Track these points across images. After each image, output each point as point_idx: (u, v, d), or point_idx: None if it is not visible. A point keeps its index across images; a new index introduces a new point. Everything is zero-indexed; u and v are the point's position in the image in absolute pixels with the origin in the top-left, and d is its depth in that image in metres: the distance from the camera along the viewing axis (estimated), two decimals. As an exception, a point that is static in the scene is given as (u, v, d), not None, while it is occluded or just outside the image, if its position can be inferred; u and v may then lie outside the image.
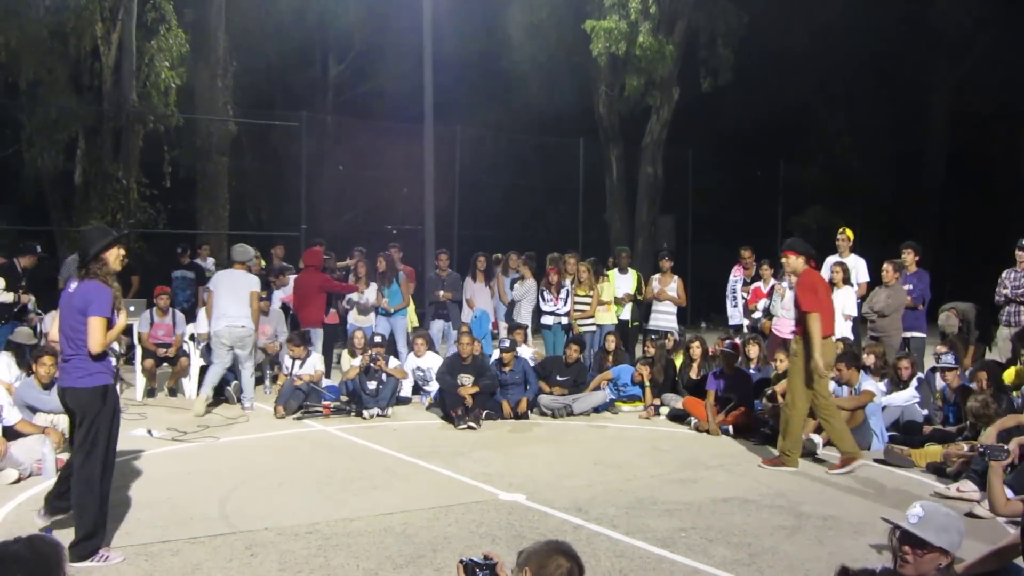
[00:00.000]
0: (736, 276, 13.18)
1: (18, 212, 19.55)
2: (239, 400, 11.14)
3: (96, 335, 5.56)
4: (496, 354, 11.46)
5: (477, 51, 23.64)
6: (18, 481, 7.27)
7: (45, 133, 17.53)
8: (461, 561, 3.33)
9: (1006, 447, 5.78)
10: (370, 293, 12.86)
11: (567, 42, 22.10)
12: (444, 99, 18.69)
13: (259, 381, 12.24)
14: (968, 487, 7.14)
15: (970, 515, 6.68)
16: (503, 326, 13.22)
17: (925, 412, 9.79)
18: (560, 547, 3.26)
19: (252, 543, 5.87)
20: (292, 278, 13.30)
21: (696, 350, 11.20)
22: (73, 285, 5.76)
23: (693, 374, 11.22)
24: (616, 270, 13.26)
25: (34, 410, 8.24)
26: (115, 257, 5.81)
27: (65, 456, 7.89)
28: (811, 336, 8.12)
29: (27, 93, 17.53)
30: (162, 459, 8.41)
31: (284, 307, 13.11)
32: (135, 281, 13.90)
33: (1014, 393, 8.84)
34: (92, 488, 5.55)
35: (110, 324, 5.67)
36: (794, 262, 8.60)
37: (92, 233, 6.01)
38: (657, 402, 11.14)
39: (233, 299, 10.80)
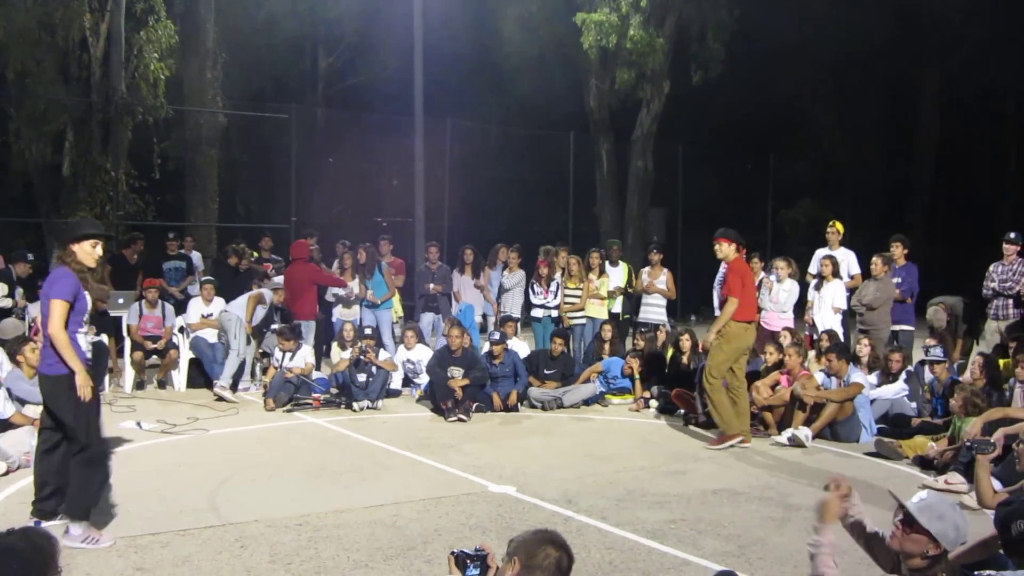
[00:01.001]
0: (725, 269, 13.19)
1: (6, 204, 19.46)
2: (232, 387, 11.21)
3: (53, 316, 5.51)
4: (486, 347, 11.47)
5: (468, 44, 23.58)
6: (6, 474, 7.26)
7: (33, 125, 17.44)
8: (452, 553, 3.34)
9: (992, 441, 5.82)
10: (353, 285, 12.86)
11: (558, 35, 22.05)
12: (434, 92, 18.64)
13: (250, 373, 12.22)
14: (956, 479, 7.18)
15: (960, 507, 6.72)
16: (490, 320, 13.23)
17: (914, 405, 9.84)
18: (549, 536, 3.25)
19: (242, 535, 5.87)
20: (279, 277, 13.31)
21: (686, 343, 11.21)
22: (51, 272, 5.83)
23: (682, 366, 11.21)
24: (607, 263, 13.26)
25: (23, 402, 8.20)
26: (86, 252, 5.76)
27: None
28: (722, 315, 8.94)
29: (15, 84, 17.42)
30: (152, 451, 8.40)
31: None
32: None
33: (1003, 387, 8.90)
34: (75, 472, 5.65)
35: (75, 311, 5.63)
36: (726, 249, 9.20)
37: (73, 224, 6.07)
38: (647, 395, 11.16)
39: None
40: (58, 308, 5.53)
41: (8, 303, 11.45)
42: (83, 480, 5.67)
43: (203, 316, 12.08)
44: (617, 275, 13.17)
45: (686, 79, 22.46)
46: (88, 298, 5.81)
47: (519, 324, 13.03)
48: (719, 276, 13.19)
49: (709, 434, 9.31)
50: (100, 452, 5.81)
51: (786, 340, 10.68)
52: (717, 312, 13.21)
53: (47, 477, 5.83)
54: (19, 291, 11.94)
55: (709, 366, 8.99)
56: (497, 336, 11.22)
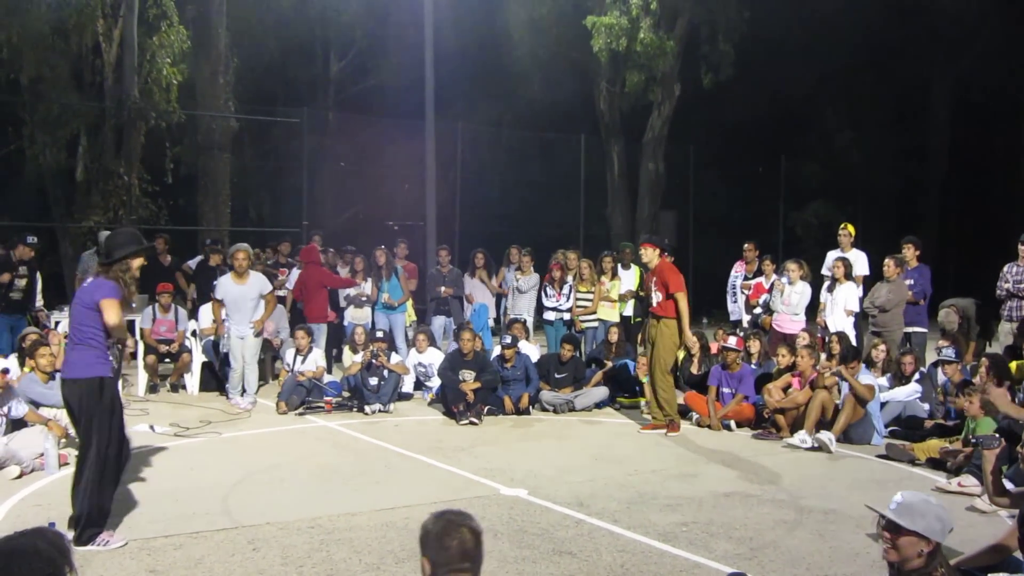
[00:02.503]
0: (737, 272, 13.17)
1: (20, 208, 19.55)
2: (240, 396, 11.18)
3: (110, 313, 5.64)
4: (497, 349, 11.48)
5: (478, 47, 23.62)
6: (20, 476, 7.29)
7: (47, 129, 17.56)
8: None
9: (998, 436, 5.79)
10: (365, 287, 12.91)
11: (568, 38, 22.06)
12: (445, 95, 18.68)
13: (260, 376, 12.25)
14: (970, 481, 7.15)
15: (971, 509, 6.71)
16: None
17: (927, 407, 9.81)
18: (446, 525, 3.16)
19: (254, 538, 5.89)
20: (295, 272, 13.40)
21: (695, 345, 11.15)
22: (88, 280, 5.91)
23: (694, 369, 11.20)
24: (619, 266, 13.26)
25: (37, 405, 8.25)
26: (138, 265, 5.95)
27: (67, 451, 7.95)
28: (681, 315, 9.53)
29: (29, 89, 17.55)
30: (164, 455, 8.43)
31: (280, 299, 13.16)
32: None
33: (1016, 387, 8.86)
34: (90, 477, 5.70)
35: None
36: (650, 253, 9.72)
37: (121, 236, 6.06)
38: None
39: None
40: (111, 305, 5.65)
41: (5, 278, 11.52)
42: (85, 499, 5.69)
43: (214, 321, 12.10)
44: (629, 278, 13.16)
45: (697, 81, 22.46)
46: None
47: (531, 327, 13.04)
48: (731, 279, 13.24)
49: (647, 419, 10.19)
50: (112, 456, 5.84)
51: (803, 342, 10.67)
52: (731, 317, 13.29)
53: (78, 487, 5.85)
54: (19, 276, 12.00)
55: (662, 365, 9.72)
56: (508, 339, 11.23)
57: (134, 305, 12.00)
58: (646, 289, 10.05)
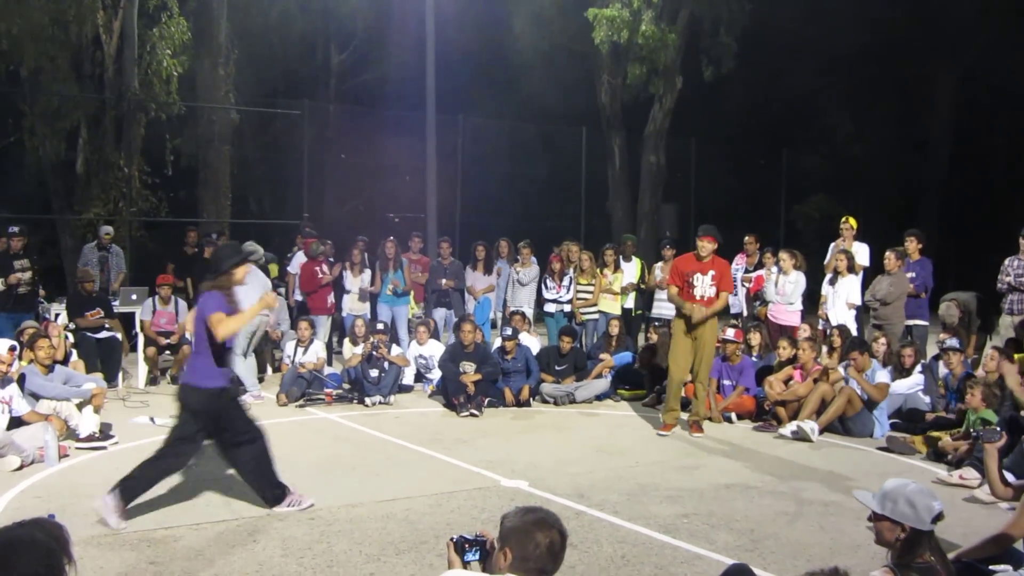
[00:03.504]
0: (738, 264, 13.13)
1: (20, 201, 19.54)
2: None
3: (218, 329, 6.00)
4: (497, 342, 11.47)
5: (479, 40, 23.57)
6: (20, 468, 7.28)
7: (47, 121, 17.54)
8: (452, 539, 3.32)
9: (999, 429, 5.78)
10: (364, 279, 12.92)
11: (569, 30, 22.00)
12: (446, 88, 18.63)
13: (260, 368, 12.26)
14: (971, 474, 7.15)
15: (971, 500, 6.71)
16: (499, 314, 13.29)
17: (928, 399, 9.80)
18: (538, 520, 3.13)
19: (255, 529, 5.88)
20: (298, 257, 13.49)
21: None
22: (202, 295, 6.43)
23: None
24: (620, 258, 13.24)
25: (37, 397, 8.24)
26: (242, 272, 6.43)
27: (67, 443, 7.95)
28: (719, 306, 9.34)
29: (29, 81, 17.52)
30: (165, 446, 8.41)
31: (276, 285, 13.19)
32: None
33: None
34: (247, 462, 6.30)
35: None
36: (709, 247, 9.23)
37: (225, 250, 6.70)
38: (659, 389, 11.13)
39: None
40: (219, 318, 6.02)
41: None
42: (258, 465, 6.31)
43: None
44: (630, 270, 13.14)
45: (698, 74, 22.40)
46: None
47: (532, 319, 13.04)
48: (733, 272, 13.18)
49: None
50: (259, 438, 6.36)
51: (805, 334, 10.67)
52: (732, 310, 13.26)
53: (251, 478, 6.38)
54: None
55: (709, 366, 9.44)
56: (509, 331, 11.22)
57: (134, 297, 12.18)
58: (689, 277, 9.24)
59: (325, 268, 12.92)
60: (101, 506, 5.83)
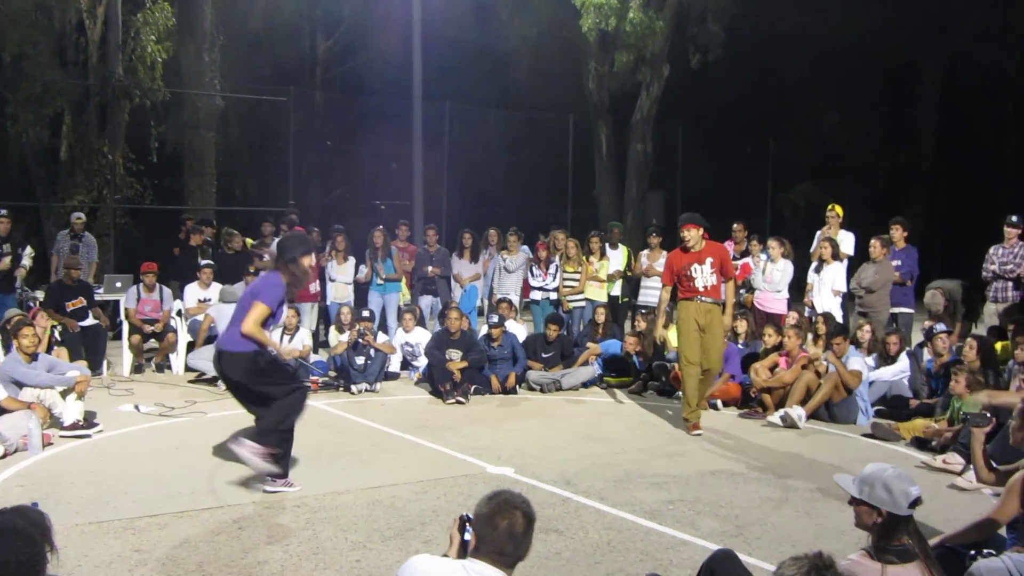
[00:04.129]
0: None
1: (3, 188, 19.40)
2: None
3: (252, 316, 6.21)
4: (484, 329, 11.46)
5: (467, 27, 23.47)
6: (3, 456, 7.23)
7: (30, 108, 17.36)
8: (462, 516, 3.33)
9: (988, 414, 5.80)
10: (348, 267, 12.88)
11: (557, 18, 21.95)
12: (433, 75, 18.58)
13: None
14: (954, 459, 7.19)
15: (953, 487, 6.75)
16: (486, 302, 13.28)
17: (911, 386, 9.85)
18: (500, 504, 3.14)
19: (240, 517, 5.87)
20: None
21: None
22: (263, 274, 6.76)
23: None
24: (607, 245, 13.23)
25: (20, 385, 8.19)
26: (308, 262, 6.59)
27: (51, 431, 7.90)
28: (730, 299, 9.07)
29: (11, 67, 17.35)
30: (150, 434, 8.40)
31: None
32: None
33: (1001, 368, 8.89)
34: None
35: (274, 318, 6.48)
36: (694, 234, 8.81)
37: (293, 239, 6.89)
38: (646, 377, 11.15)
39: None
40: (260, 311, 6.23)
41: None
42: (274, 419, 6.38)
43: (200, 300, 12.08)
44: (617, 258, 13.13)
45: (685, 62, 22.38)
46: (285, 310, 6.64)
47: (519, 307, 13.03)
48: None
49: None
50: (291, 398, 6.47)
51: (792, 321, 10.70)
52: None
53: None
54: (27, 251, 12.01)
55: (720, 354, 9.04)
56: (496, 319, 11.21)
57: (118, 285, 12.13)
58: (685, 270, 8.82)
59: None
60: (237, 447, 6.23)
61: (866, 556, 3.46)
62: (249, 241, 14.19)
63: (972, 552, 4.20)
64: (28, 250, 12.13)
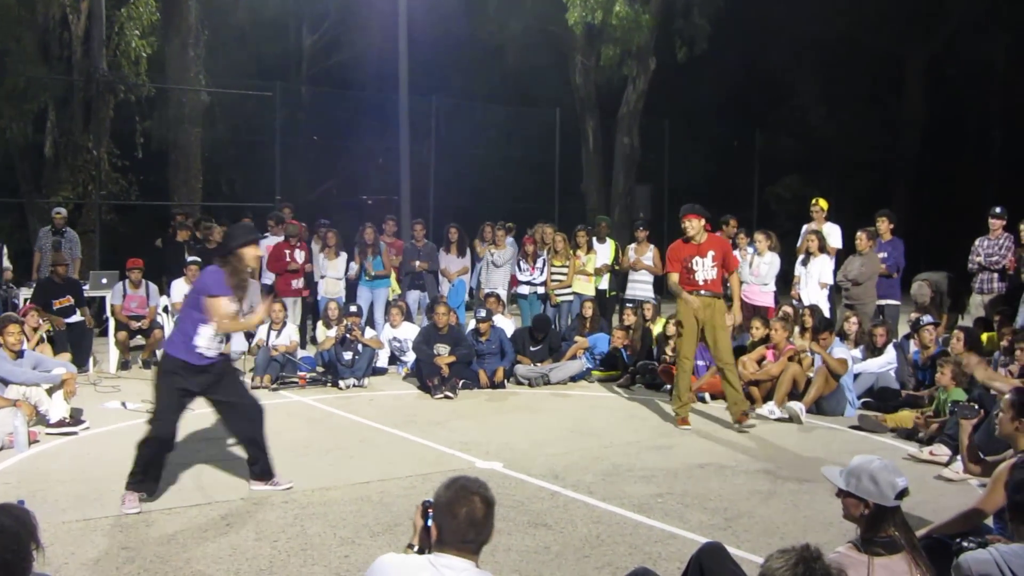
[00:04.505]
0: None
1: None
2: None
3: (218, 311, 5.94)
4: (472, 323, 11.45)
5: (453, 21, 23.36)
6: (-10, 454, 7.21)
7: (13, 103, 17.27)
8: (424, 502, 3.31)
9: (976, 406, 5.83)
10: (339, 263, 12.89)
11: (543, 12, 21.88)
12: (419, 69, 18.52)
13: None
14: (941, 450, 7.22)
15: (939, 478, 6.78)
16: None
17: (899, 378, 9.89)
18: (457, 491, 3.14)
19: (228, 513, 5.85)
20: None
21: (672, 328, 11.04)
22: (206, 269, 6.41)
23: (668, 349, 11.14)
24: (594, 239, 13.23)
25: (5, 382, 8.13)
26: (252, 254, 6.22)
27: (37, 429, 7.85)
28: (735, 292, 9.15)
29: (-6, 62, 17.26)
30: (136, 431, 8.30)
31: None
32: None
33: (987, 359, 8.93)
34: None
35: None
36: (696, 225, 8.71)
37: (237, 229, 6.54)
38: (634, 371, 11.16)
39: None
40: (219, 303, 5.93)
41: None
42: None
43: (185, 295, 12.02)
44: (605, 252, 13.14)
45: (672, 55, 22.38)
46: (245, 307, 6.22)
47: (506, 301, 13.03)
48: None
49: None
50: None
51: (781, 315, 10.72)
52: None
53: (248, 448, 6.42)
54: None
55: (728, 348, 8.84)
56: (484, 313, 11.20)
57: (104, 281, 12.08)
58: (687, 262, 8.73)
59: (297, 254, 12.78)
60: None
61: (853, 549, 3.47)
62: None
63: (958, 540, 4.21)
64: (4, 251, 12.04)
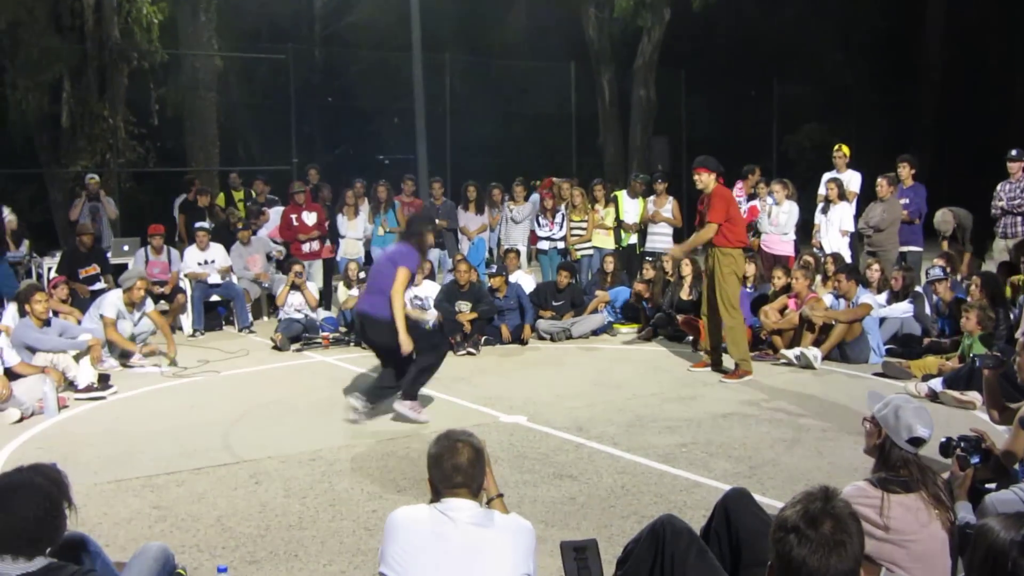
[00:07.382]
0: (738, 194, 12.99)
1: (7, 155, 19.34)
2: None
3: (398, 282, 6.96)
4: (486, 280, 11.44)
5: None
6: (20, 420, 7.30)
7: (28, 75, 17.26)
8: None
9: (998, 355, 5.78)
10: (361, 222, 12.90)
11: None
12: (432, 27, 18.37)
13: (255, 314, 12.34)
14: (972, 394, 7.17)
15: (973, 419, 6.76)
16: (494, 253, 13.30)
17: (920, 325, 9.83)
18: (443, 446, 3.25)
19: (256, 471, 5.92)
20: (277, 210, 13.33)
21: (687, 268, 11.03)
22: (398, 244, 7.56)
23: (684, 294, 11.10)
24: (625, 192, 13.13)
25: (33, 350, 8.23)
26: (431, 238, 7.75)
27: (66, 395, 7.96)
28: (696, 239, 8.82)
29: (7, 34, 17.17)
30: (164, 394, 8.46)
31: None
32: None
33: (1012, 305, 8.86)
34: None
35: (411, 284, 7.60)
36: (705, 178, 8.67)
37: (421, 216, 8.58)
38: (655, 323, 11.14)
39: None
40: (403, 276, 6.99)
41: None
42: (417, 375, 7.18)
43: (199, 263, 12.07)
44: (634, 208, 12.99)
45: (686, 4, 22.08)
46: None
47: (526, 257, 13.01)
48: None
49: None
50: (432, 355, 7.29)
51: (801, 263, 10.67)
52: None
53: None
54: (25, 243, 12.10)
55: (726, 301, 8.61)
56: (494, 268, 11.19)
57: (126, 248, 12.20)
58: (706, 216, 8.63)
59: (306, 216, 12.70)
60: (401, 407, 7.05)
61: (869, 485, 3.47)
62: (220, 201, 14.25)
63: (986, 485, 4.21)
64: (6, 211, 12.04)
